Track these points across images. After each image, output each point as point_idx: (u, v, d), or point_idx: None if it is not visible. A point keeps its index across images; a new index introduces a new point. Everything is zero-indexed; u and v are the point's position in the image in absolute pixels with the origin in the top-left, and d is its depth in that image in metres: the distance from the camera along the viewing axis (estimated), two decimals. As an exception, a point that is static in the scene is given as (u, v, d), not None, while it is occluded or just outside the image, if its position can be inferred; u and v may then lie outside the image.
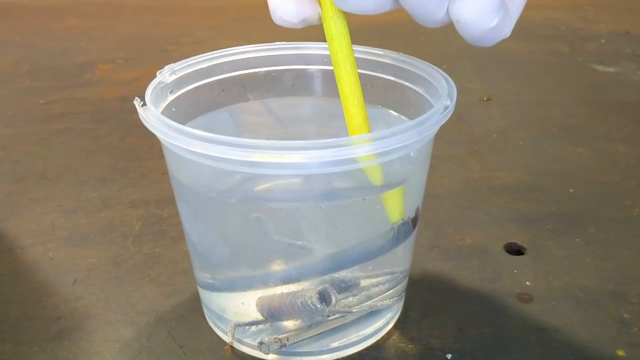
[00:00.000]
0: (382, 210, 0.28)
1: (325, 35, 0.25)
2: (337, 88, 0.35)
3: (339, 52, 0.25)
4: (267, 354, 0.30)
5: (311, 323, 0.30)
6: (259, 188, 0.30)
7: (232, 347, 0.32)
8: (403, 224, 0.28)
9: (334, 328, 0.30)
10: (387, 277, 0.31)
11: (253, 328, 0.30)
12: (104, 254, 0.40)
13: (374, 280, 0.30)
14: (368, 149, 0.23)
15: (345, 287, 0.29)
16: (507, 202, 0.45)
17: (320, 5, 0.25)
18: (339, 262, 0.29)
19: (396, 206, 0.28)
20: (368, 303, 0.30)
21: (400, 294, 0.33)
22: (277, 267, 0.29)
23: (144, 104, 0.27)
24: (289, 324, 0.30)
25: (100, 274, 0.38)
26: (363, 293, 0.30)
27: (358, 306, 0.30)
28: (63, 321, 0.34)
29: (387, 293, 0.31)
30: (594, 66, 0.73)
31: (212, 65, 0.33)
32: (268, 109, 0.36)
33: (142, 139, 0.55)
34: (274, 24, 0.26)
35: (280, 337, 0.29)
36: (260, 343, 0.29)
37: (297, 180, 0.27)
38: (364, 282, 0.30)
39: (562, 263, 0.38)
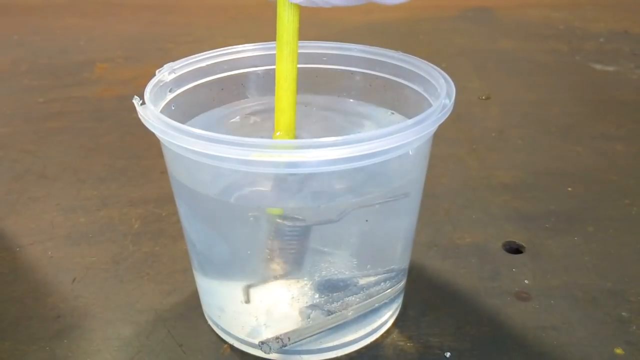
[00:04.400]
0: (381, 209, 0.29)
1: (277, 19, 0.26)
2: (336, 87, 0.35)
3: (283, 36, 0.27)
4: (269, 353, 0.30)
5: (312, 323, 0.30)
6: (258, 187, 0.30)
7: (231, 345, 0.32)
8: None
9: (333, 327, 0.30)
10: (385, 276, 0.31)
11: (253, 323, 0.30)
12: (103, 252, 0.40)
13: (372, 279, 0.30)
14: (367, 148, 0.24)
15: (343, 286, 0.30)
16: (505, 201, 0.45)
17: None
18: None
19: None
20: (367, 302, 0.30)
21: (399, 292, 0.33)
22: (276, 265, 0.29)
23: (143, 103, 0.27)
24: (289, 323, 0.30)
25: (100, 272, 0.38)
26: (362, 292, 0.30)
27: (357, 305, 0.30)
28: (62, 320, 0.34)
29: (386, 292, 0.31)
30: (592, 65, 0.73)
31: (211, 64, 0.33)
32: (267, 108, 0.36)
33: (141, 138, 0.55)
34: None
35: (281, 336, 0.29)
36: (262, 343, 0.29)
37: (296, 180, 0.27)
38: (362, 281, 0.30)
39: (560, 262, 0.38)
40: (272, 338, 0.29)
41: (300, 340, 0.29)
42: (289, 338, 0.29)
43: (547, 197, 0.45)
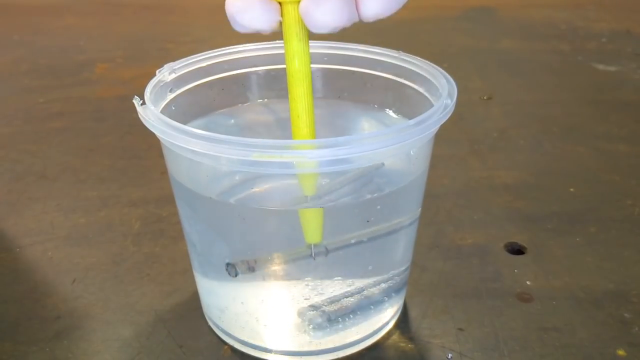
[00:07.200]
0: (382, 210, 0.28)
1: (285, 53, 0.25)
2: (337, 87, 0.35)
3: (300, 70, 0.25)
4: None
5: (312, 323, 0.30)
6: (258, 188, 0.30)
7: (231, 346, 0.32)
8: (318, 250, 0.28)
9: (334, 328, 0.30)
10: (387, 277, 0.31)
11: (253, 324, 0.30)
12: (103, 253, 0.39)
13: (373, 280, 0.30)
14: (368, 148, 0.23)
15: (344, 286, 0.29)
16: (507, 202, 0.45)
17: (283, 20, 0.24)
18: None
19: (316, 227, 0.28)
20: (368, 302, 0.30)
21: (401, 293, 0.33)
22: (277, 266, 0.29)
23: (144, 103, 0.27)
24: (289, 323, 0.30)
25: (100, 273, 0.38)
26: (363, 293, 0.30)
27: (357, 306, 0.30)
28: (62, 320, 0.34)
29: (387, 292, 0.31)
30: (594, 65, 0.73)
31: (212, 64, 0.33)
32: (268, 108, 0.35)
33: (141, 138, 0.55)
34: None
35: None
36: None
37: (297, 180, 0.27)
38: (363, 282, 0.30)
39: (562, 262, 0.38)
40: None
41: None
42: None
43: (549, 198, 0.45)
